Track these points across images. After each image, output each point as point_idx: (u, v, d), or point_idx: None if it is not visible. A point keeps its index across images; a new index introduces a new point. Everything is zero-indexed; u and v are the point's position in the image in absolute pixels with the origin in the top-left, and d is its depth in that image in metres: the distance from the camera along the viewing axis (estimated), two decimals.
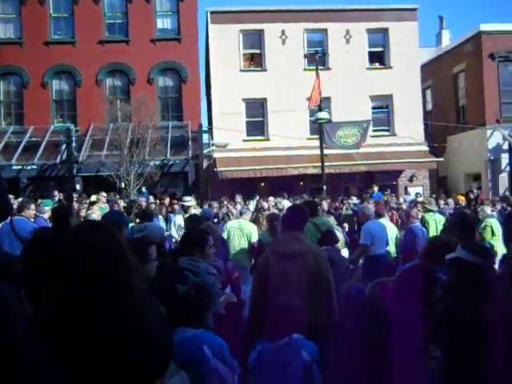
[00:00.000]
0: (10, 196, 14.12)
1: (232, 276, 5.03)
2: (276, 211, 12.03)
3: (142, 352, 1.89)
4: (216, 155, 22.48)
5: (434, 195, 17.20)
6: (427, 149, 23.98)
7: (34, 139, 21.21)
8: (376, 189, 18.72)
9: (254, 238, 8.57)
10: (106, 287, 1.96)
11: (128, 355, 1.87)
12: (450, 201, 15.01)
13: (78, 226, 2.51)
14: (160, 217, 10.89)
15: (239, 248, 8.50)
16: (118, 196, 16.08)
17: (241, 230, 8.66)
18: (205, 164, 22.57)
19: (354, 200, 16.06)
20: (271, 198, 14.48)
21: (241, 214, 9.59)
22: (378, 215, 8.76)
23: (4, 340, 1.71)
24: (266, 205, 12.44)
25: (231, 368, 3.00)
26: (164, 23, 24.09)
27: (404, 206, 14.20)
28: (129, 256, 2.12)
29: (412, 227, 8.35)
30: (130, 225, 7.39)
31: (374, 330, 3.01)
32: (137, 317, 1.94)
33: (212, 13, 23.76)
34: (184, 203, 10.82)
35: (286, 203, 13.97)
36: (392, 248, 8.68)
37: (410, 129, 23.41)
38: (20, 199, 10.59)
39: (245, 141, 23.11)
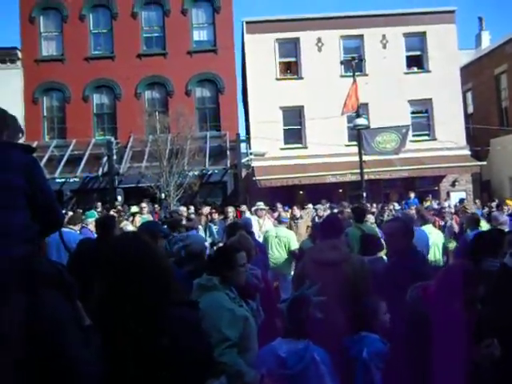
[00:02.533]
0: None
1: (269, 285, 5.00)
2: (312, 219, 12.03)
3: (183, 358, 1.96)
4: (254, 164, 22.55)
5: (478, 200, 16.79)
6: (469, 153, 23.46)
7: (76, 152, 21.74)
8: (412, 195, 18.39)
9: (294, 246, 8.53)
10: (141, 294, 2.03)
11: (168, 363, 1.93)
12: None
13: (116, 238, 2.58)
14: (200, 227, 10.97)
15: (278, 256, 8.47)
16: (157, 206, 16.30)
17: (278, 239, 8.63)
18: (243, 173, 22.66)
19: (396, 206, 15.82)
20: (310, 205, 14.42)
21: (279, 222, 9.57)
22: (424, 221, 8.54)
23: (51, 349, 1.76)
24: (298, 213, 12.38)
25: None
26: (200, 35, 24.39)
27: (447, 211, 13.87)
28: (163, 266, 2.17)
29: (468, 235, 8.06)
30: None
31: (417, 333, 2.95)
32: (172, 326, 2.00)
33: (248, 23, 23.93)
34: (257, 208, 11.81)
35: (323, 209, 13.92)
36: (437, 255, 8.43)
37: (450, 133, 22.98)
38: (70, 213, 10.84)
39: (282, 149, 23.11)
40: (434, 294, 3.11)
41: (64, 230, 7.39)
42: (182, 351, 1.99)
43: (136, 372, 1.92)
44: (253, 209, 13.02)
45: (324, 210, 13.99)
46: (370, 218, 9.93)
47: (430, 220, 8.97)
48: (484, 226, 8.60)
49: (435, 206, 16.04)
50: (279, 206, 15.31)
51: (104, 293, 2.05)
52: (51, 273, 1.93)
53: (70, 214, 10.03)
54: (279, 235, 8.72)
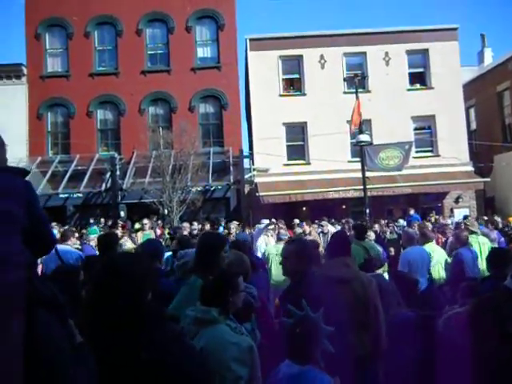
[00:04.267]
0: (54, 223, 14.56)
1: (266, 303, 4.95)
2: (317, 236, 11.99)
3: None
4: (257, 180, 22.56)
5: (479, 217, 16.67)
6: (472, 169, 23.44)
7: (79, 168, 21.82)
8: (412, 211, 18.31)
9: None
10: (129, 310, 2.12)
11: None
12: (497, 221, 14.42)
13: (111, 257, 2.65)
14: None
15: (279, 274, 8.42)
16: (160, 222, 16.28)
17: (279, 256, 8.59)
18: (246, 189, 22.66)
19: (401, 223, 15.73)
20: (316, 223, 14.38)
21: (279, 239, 9.55)
22: (426, 240, 8.46)
23: (42, 365, 1.77)
24: (307, 229, 12.34)
25: None
26: (204, 52, 24.57)
27: (450, 228, 13.78)
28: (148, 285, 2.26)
29: (458, 252, 8.02)
30: (167, 253, 7.45)
31: (448, 362, 2.90)
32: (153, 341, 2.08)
33: (251, 40, 24.11)
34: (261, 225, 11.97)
35: (330, 228, 13.85)
36: (441, 273, 8.33)
37: (453, 149, 23.01)
38: (65, 227, 10.86)
39: (286, 165, 23.14)
40: (467, 322, 3.04)
41: (60, 247, 7.42)
42: (165, 367, 2.05)
43: None
44: (261, 225, 13.02)
45: (330, 226, 13.96)
46: (371, 235, 9.90)
47: (432, 237, 8.89)
48: (475, 242, 8.50)
49: (441, 221, 15.94)
50: (280, 223, 15.22)
51: (89, 304, 2.18)
52: (45, 294, 1.94)
53: (62, 230, 10.04)
54: (280, 252, 8.68)
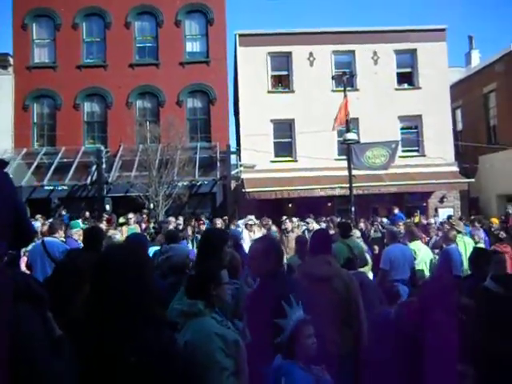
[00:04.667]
0: (39, 216, 14.42)
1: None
2: (302, 232, 12.00)
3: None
4: (244, 176, 22.56)
5: (462, 217, 16.82)
6: (457, 169, 23.65)
7: (65, 160, 21.65)
8: (396, 210, 18.40)
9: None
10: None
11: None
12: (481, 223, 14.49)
13: (107, 250, 2.62)
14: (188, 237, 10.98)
15: None
16: (145, 217, 16.23)
17: None
18: (233, 185, 22.66)
19: (385, 221, 15.83)
20: (294, 219, 14.38)
21: None
22: (412, 238, 8.54)
23: (20, 361, 1.75)
24: (289, 226, 12.34)
25: None
26: (193, 46, 24.49)
27: (434, 228, 13.87)
28: (146, 276, 2.22)
29: (447, 249, 8.11)
30: (154, 248, 7.45)
31: (402, 352, 2.95)
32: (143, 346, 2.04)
33: (240, 36, 24.05)
34: (248, 222, 11.98)
35: (314, 225, 13.88)
36: (425, 271, 8.43)
37: (439, 149, 23.18)
38: (50, 220, 10.78)
39: (273, 162, 23.16)
40: (419, 307, 3.13)
41: (47, 239, 7.40)
42: (149, 372, 2.01)
43: None
44: (241, 221, 13.06)
45: (315, 223, 13.98)
46: (356, 233, 9.95)
47: (418, 236, 8.99)
48: (460, 241, 8.64)
49: (424, 221, 16.05)
50: (266, 220, 15.16)
51: (87, 299, 2.12)
52: (19, 285, 1.92)
53: (49, 222, 9.98)
54: None
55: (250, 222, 12.15)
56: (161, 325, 2.18)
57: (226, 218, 15.69)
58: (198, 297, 3.09)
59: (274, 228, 12.98)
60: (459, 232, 8.95)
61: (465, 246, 8.51)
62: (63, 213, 18.54)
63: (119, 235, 8.70)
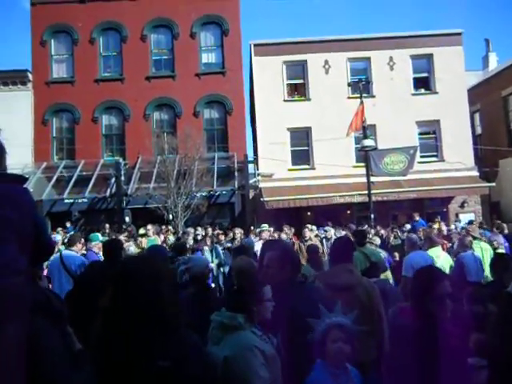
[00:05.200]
0: (59, 229, 14.57)
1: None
2: (318, 240, 11.96)
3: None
4: (262, 185, 22.56)
5: (482, 223, 16.56)
6: (478, 174, 23.38)
7: (84, 173, 21.87)
8: (418, 217, 18.20)
9: None
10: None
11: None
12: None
13: (124, 262, 2.60)
14: (206, 248, 10.98)
15: None
16: (164, 227, 16.30)
17: None
18: (251, 194, 22.66)
19: (408, 227, 15.69)
20: (313, 227, 14.31)
21: None
22: (431, 244, 8.44)
23: (39, 375, 1.76)
24: (307, 234, 12.29)
25: None
26: (209, 57, 24.65)
27: (455, 233, 13.69)
28: (165, 286, 2.18)
29: (461, 256, 8.01)
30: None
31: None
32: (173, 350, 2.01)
33: (256, 45, 24.17)
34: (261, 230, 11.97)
35: (332, 233, 13.81)
36: None
37: (458, 154, 22.96)
38: (70, 233, 10.87)
39: (290, 170, 23.14)
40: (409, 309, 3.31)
41: (65, 252, 7.45)
42: (182, 376, 1.98)
43: None
44: (257, 230, 13.05)
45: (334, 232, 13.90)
46: (376, 240, 9.86)
47: (437, 243, 8.88)
48: (477, 247, 8.51)
49: (444, 228, 15.85)
50: (286, 228, 15.08)
51: (109, 309, 2.07)
52: (39, 300, 1.93)
53: (69, 235, 10.07)
54: None
55: (262, 229, 12.13)
56: (187, 330, 2.17)
57: (251, 227, 15.59)
58: (238, 311, 2.99)
59: (283, 236, 12.78)
60: (475, 238, 8.83)
61: (482, 251, 8.37)
62: (67, 224, 18.70)
63: (133, 247, 8.73)
